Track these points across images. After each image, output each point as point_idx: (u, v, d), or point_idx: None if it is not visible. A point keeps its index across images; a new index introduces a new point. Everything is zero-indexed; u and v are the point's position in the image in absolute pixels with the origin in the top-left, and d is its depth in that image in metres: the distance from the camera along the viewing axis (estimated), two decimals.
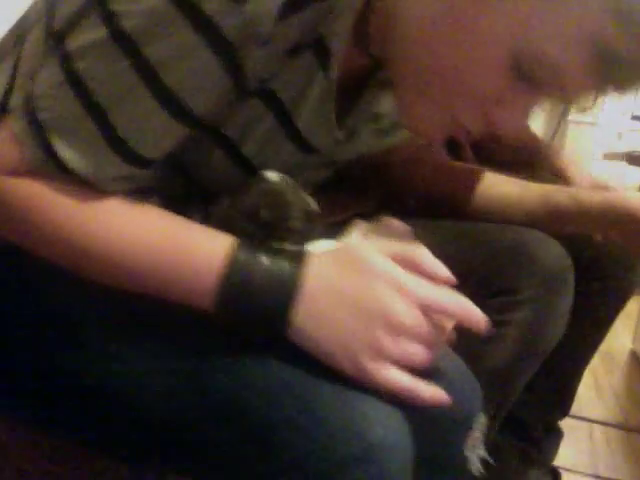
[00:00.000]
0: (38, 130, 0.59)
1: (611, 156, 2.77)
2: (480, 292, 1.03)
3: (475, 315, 0.64)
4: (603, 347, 1.38)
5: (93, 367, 0.68)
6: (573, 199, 1.09)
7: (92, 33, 0.58)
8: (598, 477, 1.73)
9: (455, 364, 0.83)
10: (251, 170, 0.73)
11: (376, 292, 0.60)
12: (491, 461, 0.87)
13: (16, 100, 0.61)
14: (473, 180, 1.14)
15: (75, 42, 0.58)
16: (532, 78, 0.63)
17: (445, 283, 0.65)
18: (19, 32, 0.68)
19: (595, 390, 2.24)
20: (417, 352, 0.60)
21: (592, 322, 1.16)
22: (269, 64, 0.63)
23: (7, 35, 0.72)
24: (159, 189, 0.71)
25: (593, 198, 1.08)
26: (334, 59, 0.68)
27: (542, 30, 0.60)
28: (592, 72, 0.62)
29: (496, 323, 1.04)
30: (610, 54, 0.59)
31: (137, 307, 0.70)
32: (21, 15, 0.71)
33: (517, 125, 0.69)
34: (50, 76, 0.59)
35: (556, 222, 1.10)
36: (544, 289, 1.04)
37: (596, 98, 0.68)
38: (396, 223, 0.78)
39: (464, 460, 0.80)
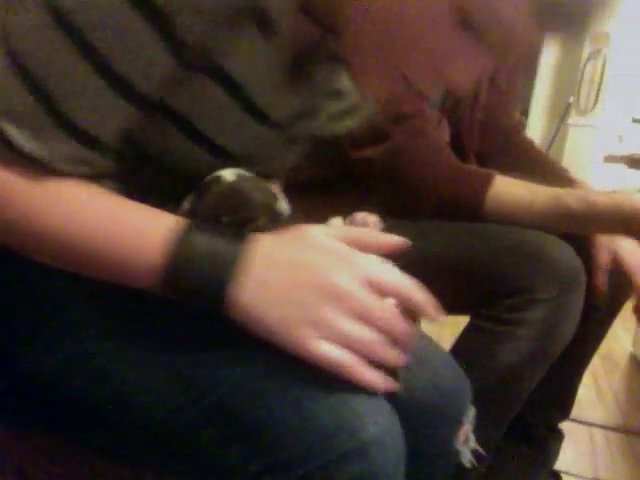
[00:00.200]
0: None
1: (611, 159, 2.77)
2: (497, 291, 1.07)
3: (417, 295, 0.62)
4: (603, 350, 1.38)
5: (90, 368, 0.68)
6: (583, 201, 1.11)
7: (26, 9, 0.57)
8: None
9: (443, 359, 0.84)
10: (217, 150, 0.71)
11: (317, 265, 0.59)
12: (483, 452, 0.88)
13: None
14: (485, 183, 1.16)
15: (10, 19, 0.58)
16: (477, 28, 0.63)
17: (392, 250, 0.63)
18: None
19: (595, 393, 2.24)
20: (358, 328, 0.58)
21: (591, 323, 1.17)
22: (210, 35, 0.62)
23: None
24: (129, 180, 0.70)
25: (602, 200, 1.10)
26: (277, 27, 0.66)
27: None
28: (532, 15, 0.62)
29: (511, 322, 1.06)
30: None
31: (133, 309, 0.70)
32: None
33: (469, 80, 0.69)
34: None
35: (566, 224, 1.12)
36: (559, 289, 1.06)
37: (541, 44, 0.69)
38: (371, 219, 0.78)
39: (456, 454, 0.82)
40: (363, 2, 0.66)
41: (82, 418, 0.70)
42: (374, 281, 0.60)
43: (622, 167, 2.63)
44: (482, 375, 1.09)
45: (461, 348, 1.14)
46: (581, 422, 1.95)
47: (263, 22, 0.66)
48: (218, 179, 0.69)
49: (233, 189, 0.69)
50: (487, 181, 1.16)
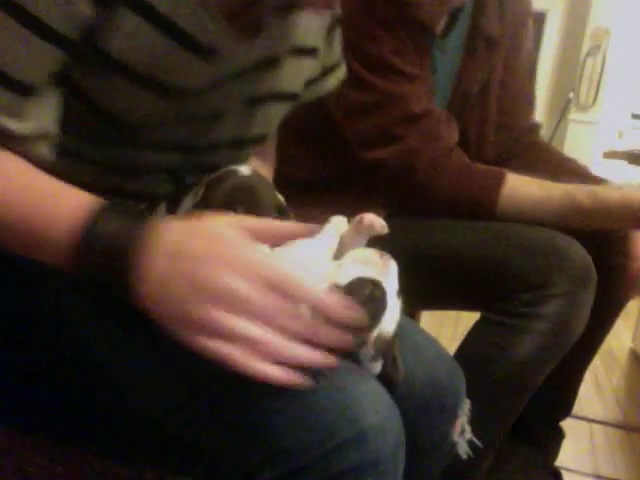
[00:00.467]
0: None
1: (611, 155, 2.77)
2: (511, 287, 1.09)
3: (302, 286, 0.55)
4: (603, 346, 1.39)
5: (88, 368, 0.68)
6: (594, 197, 1.13)
7: None
8: (598, 476, 1.73)
9: (439, 353, 0.84)
10: (160, 88, 0.70)
11: (204, 259, 0.54)
12: (479, 443, 0.89)
13: None
14: (498, 182, 1.16)
15: None
16: None
17: (293, 234, 0.60)
18: None
19: (595, 390, 2.24)
20: (243, 324, 0.53)
21: (594, 322, 1.17)
22: None
23: None
24: (74, 131, 0.70)
25: (613, 195, 1.12)
26: None
27: None
28: None
29: (526, 316, 1.07)
30: None
31: (131, 309, 0.70)
32: None
33: None
34: None
35: (578, 220, 1.14)
36: (572, 285, 1.08)
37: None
38: (371, 217, 0.77)
39: (452, 445, 0.83)
40: None
41: (81, 418, 0.70)
42: (273, 281, 0.55)
43: (622, 163, 2.63)
44: (495, 368, 1.10)
45: (474, 342, 1.15)
46: (581, 418, 1.96)
47: None
48: (235, 172, 0.71)
49: (248, 183, 0.71)
50: (500, 180, 1.17)
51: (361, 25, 1.16)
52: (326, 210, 1.05)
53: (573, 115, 3.52)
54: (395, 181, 1.19)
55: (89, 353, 0.68)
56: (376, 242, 0.79)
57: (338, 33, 0.97)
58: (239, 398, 0.62)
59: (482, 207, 1.16)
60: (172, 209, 0.76)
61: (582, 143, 3.36)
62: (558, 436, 1.49)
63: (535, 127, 1.51)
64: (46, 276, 0.72)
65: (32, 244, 0.60)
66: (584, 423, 1.98)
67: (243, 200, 0.69)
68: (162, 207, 0.78)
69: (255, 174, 0.73)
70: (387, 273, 0.72)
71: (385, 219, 0.78)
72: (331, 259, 0.77)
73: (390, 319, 0.69)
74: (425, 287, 1.11)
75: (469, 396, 0.86)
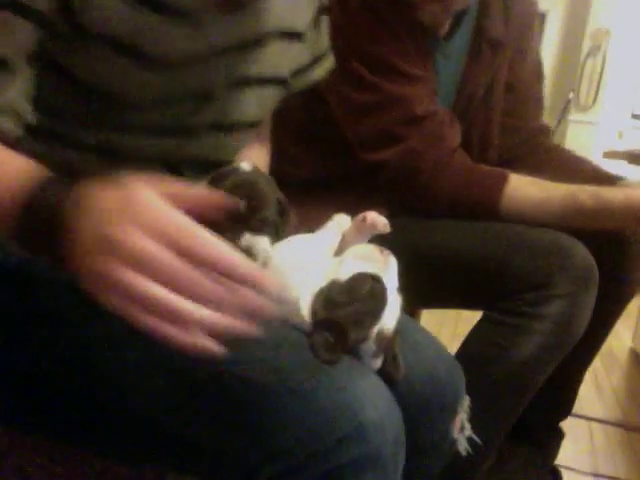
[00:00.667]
0: None
1: (611, 155, 2.76)
2: (514, 286, 1.09)
3: (215, 249, 0.52)
4: (603, 346, 1.39)
5: (89, 368, 0.68)
6: (596, 197, 1.12)
7: None
8: (598, 476, 1.73)
9: (438, 351, 0.85)
10: (142, 58, 0.70)
11: (123, 222, 0.52)
12: (478, 440, 0.89)
13: None
14: (500, 182, 1.17)
15: None
16: None
17: (203, 203, 0.57)
18: None
19: (595, 389, 2.24)
20: (150, 285, 0.51)
21: (595, 322, 1.17)
22: None
23: None
24: (60, 113, 0.71)
25: (615, 195, 1.12)
26: None
27: None
28: None
29: (529, 316, 1.08)
30: None
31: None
32: None
33: None
34: None
35: (580, 220, 1.14)
36: (575, 286, 1.08)
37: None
38: (373, 216, 0.78)
39: (452, 442, 0.84)
40: None
41: (81, 418, 0.71)
42: (173, 237, 0.52)
43: (622, 163, 2.62)
44: (496, 368, 1.10)
45: (476, 341, 1.15)
46: (581, 417, 1.96)
47: None
48: (236, 169, 0.73)
49: (250, 179, 0.72)
50: (502, 181, 1.17)
51: (363, 25, 1.16)
52: (326, 210, 1.06)
53: (573, 115, 3.51)
54: (397, 182, 1.19)
55: (89, 353, 0.69)
56: (377, 241, 0.80)
57: (325, 21, 0.98)
58: (238, 397, 0.63)
59: (484, 208, 1.16)
60: None
61: (582, 143, 3.36)
62: (558, 436, 1.49)
63: (545, 129, 1.50)
64: (46, 276, 0.72)
65: None
66: (584, 422, 1.98)
67: (245, 196, 0.70)
68: None
69: (256, 171, 0.74)
70: (387, 269, 0.72)
71: (386, 218, 0.78)
72: (332, 256, 0.77)
73: (390, 315, 0.69)
74: (426, 286, 1.11)
75: (470, 395, 0.87)
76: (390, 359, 0.72)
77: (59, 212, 0.56)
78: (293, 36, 0.88)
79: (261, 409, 0.62)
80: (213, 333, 0.53)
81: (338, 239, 0.79)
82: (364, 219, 0.77)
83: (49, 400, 0.71)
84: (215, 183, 0.73)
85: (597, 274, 1.10)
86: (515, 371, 1.10)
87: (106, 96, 0.71)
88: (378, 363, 0.71)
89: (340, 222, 0.81)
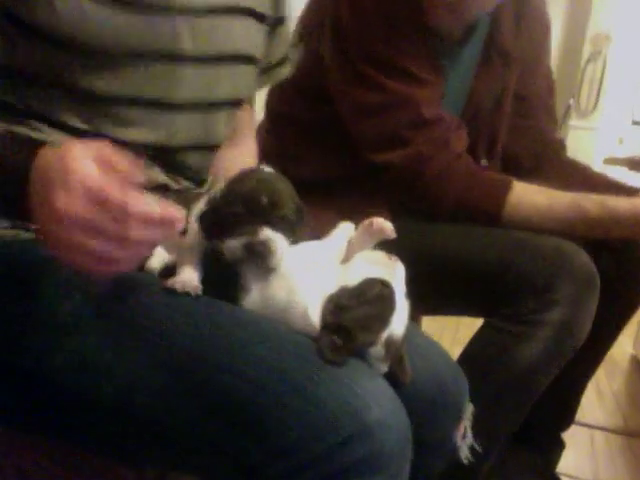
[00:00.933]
0: None
1: (612, 161, 2.77)
2: (516, 293, 1.08)
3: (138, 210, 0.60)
4: None
5: (93, 367, 0.68)
6: (601, 206, 1.13)
7: None
8: None
9: (443, 357, 0.85)
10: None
11: (58, 188, 0.59)
12: (478, 448, 0.89)
13: None
14: (503, 189, 1.16)
15: None
16: None
17: (133, 180, 0.61)
18: None
19: (596, 395, 2.24)
20: (83, 238, 0.59)
21: (597, 333, 1.17)
22: None
23: None
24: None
25: (621, 204, 1.12)
26: None
27: None
28: None
29: (530, 323, 1.07)
30: None
31: (128, 306, 0.70)
32: None
33: None
34: None
35: (585, 229, 1.14)
36: (577, 291, 1.07)
37: None
38: (380, 221, 0.78)
39: (454, 447, 0.84)
40: None
41: (84, 417, 0.70)
42: (100, 199, 0.59)
43: (622, 169, 2.62)
44: (498, 374, 1.10)
45: (477, 348, 1.15)
46: (582, 424, 1.95)
47: None
48: (259, 169, 0.77)
49: (271, 178, 0.75)
50: (506, 187, 1.17)
51: (375, 28, 1.16)
52: (326, 212, 1.05)
53: (573, 121, 3.52)
54: (401, 184, 1.19)
55: (89, 353, 0.68)
56: (379, 246, 0.80)
57: (286, 31, 1.05)
58: (241, 396, 0.63)
59: (487, 214, 1.16)
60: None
61: (582, 149, 3.36)
62: (559, 446, 1.49)
63: (560, 143, 1.51)
64: (46, 277, 0.72)
65: None
66: (585, 429, 1.98)
67: (267, 191, 0.71)
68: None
69: (277, 174, 0.76)
70: (395, 275, 0.72)
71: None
72: (339, 262, 0.77)
73: (399, 320, 0.69)
74: (428, 293, 1.11)
75: (471, 401, 0.86)
76: (397, 363, 0.72)
77: (21, 179, 0.63)
78: (257, 16, 0.92)
79: (264, 408, 0.62)
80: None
81: (345, 246, 0.80)
82: (371, 224, 0.78)
83: (49, 400, 0.71)
84: (237, 181, 0.74)
85: (598, 280, 1.10)
86: (516, 377, 1.10)
87: (82, 48, 0.75)
88: (385, 367, 0.71)
89: (346, 229, 0.81)
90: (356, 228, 0.81)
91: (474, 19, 1.25)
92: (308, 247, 0.77)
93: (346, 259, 0.79)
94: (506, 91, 1.36)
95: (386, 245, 0.80)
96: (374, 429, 0.62)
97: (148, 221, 0.60)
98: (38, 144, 0.65)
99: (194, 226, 0.75)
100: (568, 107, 3.37)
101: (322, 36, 1.21)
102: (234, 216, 0.70)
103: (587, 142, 3.45)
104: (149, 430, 0.67)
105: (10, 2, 0.72)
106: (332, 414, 0.61)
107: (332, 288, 0.70)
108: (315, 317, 0.69)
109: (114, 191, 0.59)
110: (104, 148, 0.62)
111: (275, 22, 1.01)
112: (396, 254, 0.75)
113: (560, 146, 1.51)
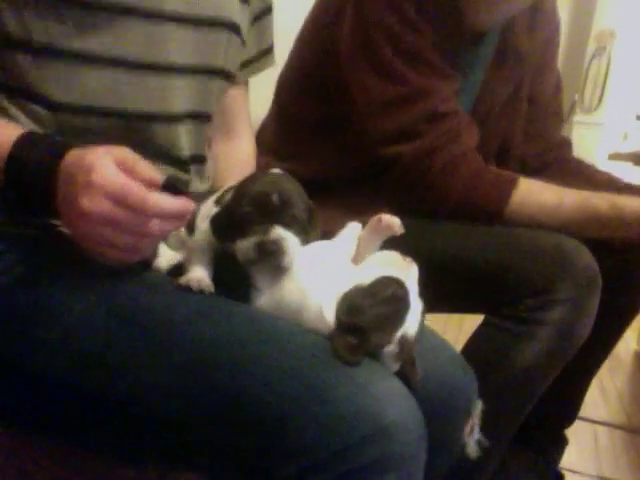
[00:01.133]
0: None
1: (616, 157, 2.76)
2: (516, 292, 1.08)
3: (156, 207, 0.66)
4: None
5: (103, 367, 0.69)
6: (611, 204, 1.11)
7: None
8: (602, 478, 1.73)
9: (451, 355, 0.85)
10: None
11: (82, 189, 0.65)
12: (487, 443, 0.89)
13: None
14: (508, 187, 1.16)
15: None
16: None
17: (150, 181, 0.68)
18: None
19: (599, 392, 2.24)
20: (102, 232, 0.66)
21: (601, 331, 1.16)
22: None
23: None
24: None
25: (631, 203, 1.11)
26: None
27: None
28: None
29: (531, 322, 1.07)
30: None
31: (134, 305, 0.71)
32: None
33: None
34: None
35: (593, 228, 1.13)
36: (577, 290, 1.07)
37: None
38: (389, 218, 0.78)
39: (463, 444, 0.84)
40: None
41: (90, 417, 0.71)
42: (119, 198, 0.65)
43: (627, 165, 2.61)
44: (499, 373, 1.09)
45: (477, 346, 1.15)
46: (585, 420, 1.95)
47: None
48: (270, 171, 0.77)
49: (282, 179, 0.75)
50: (511, 185, 1.16)
51: (403, 12, 1.14)
52: (329, 211, 1.05)
53: (578, 117, 3.50)
54: (408, 177, 1.18)
55: (100, 353, 0.69)
56: (382, 245, 0.80)
57: (270, 20, 1.06)
58: (257, 396, 0.63)
59: (490, 210, 1.16)
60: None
61: (587, 145, 3.34)
62: (562, 443, 1.49)
63: (565, 143, 1.50)
64: (47, 278, 0.73)
65: None
66: (588, 425, 1.98)
67: (278, 192, 0.72)
68: None
69: (286, 174, 0.77)
70: (409, 275, 0.73)
71: None
72: (350, 262, 0.78)
73: (413, 320, 0.70)
74: (428, 291, 1.12)
75: None
76: (408, 363, 0.72)
77: (45, 179, 0.69)
78: (226, 27, 0.93)
79: (279, 410, 0.62)
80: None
81: (355, 246, 0.80)
82: (380, 220, 0.78)
83: (54, 400, 0.71)
84: (248, 182, 0.75)
85: (600, 279, 1.09)
86: (517, 377, 1.10)
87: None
88: (397, 366, 0.71)
89: (354, 229, 0.82)
90: (363, 226, 0.81)
91: (509, 18, 1.25)
92: (318, 247, 0.77)
93: (356, 259, 0.79)
94: (520, 92, 1.36)
95: (387, 245, 0.80)
96: (390, 429, 0.62)
97: (165, 215, 0.67)
98: (64, 146, 0.70)
99: (203, 227, 0.76)
100: (572, 103, 3.36)
101: (338, 29, 1.20)
102: (245, 217, 0.71)
103: (592, 138, 3.44)
104: (162, 430, 0.68)
105: None
106: (348, 415, 0.62)
107: (345, 287, 0.71)
108: (329, 316, 0.69)
109: (134, 189, 0.65)
110: (124, 151, 0.68)
111: (262, 11, 1.03)
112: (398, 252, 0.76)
113: (566, 145, 1.51)
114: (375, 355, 0.69)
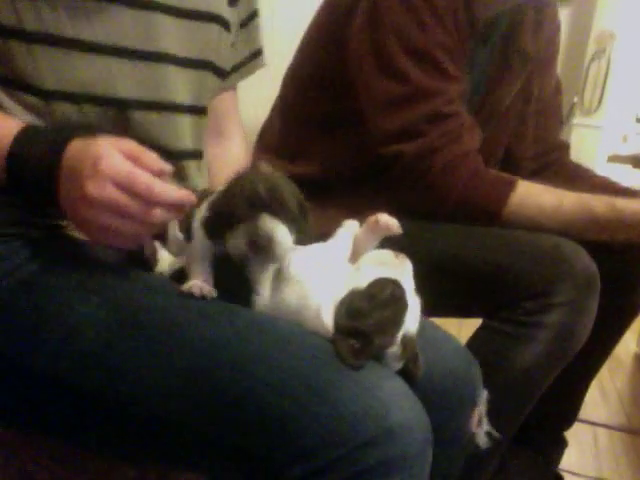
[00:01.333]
0: None
1: (616, 159, 2.75)
2: (514, 294, 1.08)
3: (162, 193, 0.68)
4: None
5: (105, 367, 0.69)
6: (610, 206, 1.11)
7: None
8: None
9: (454, 346, 0.86)
10: None
11: (89, 177, 0.67)
12: (496, 434, 0.89)
13: None
14: (507, 189, 1.16)
15: None
16: None
17: (159, 172, 0.70)
18: None
19: (600, 393, 2.23)
20: (104, 217, 0.68)
21: (600, 334, 1.16)
22: None
23: None
24: None
25: (631, 205, 1.11)
26: None
27: None
28: None
29: (529, 325, 1.07)
30: None
31: (136, 305, 0.71)
32: None
33: None
34: None
35: (592, 230, 1.13)
36: (576, 293, 1.06)
37: None
38: (387, 218, 0.78)
39: (471, 435, 0.84)
40: None
41: (92, 417, 0.71)
42: (125, 185, 0.67)
43: (627, 167, 2.61)
44: (498, 375, 1.09)
45: (476, 348, 1.13)
46: (585, 421, 1.95)
47: None
48: (259, 167, 0.77)
49: (272, 174, 0.75)
50: (510, 186, 1.16)
51: (414, 9, 1.14)
52: (327, 212, 1.06)
53: (577, 119, 3.49)
54: (408, 176, 1.19)
55: (102, 354, 0.69)
56: (380, 245, 0.80)
57: (259, 23, 1.07)
58: (262, 399, 0.63)
59: (489, 211, 1.16)
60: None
61: (586, 147, 3.34)
62: (561, 445, 1.49)
63: (564, 146, 1.50)
64: (49, 279, 0.73)
65: None
66: (588, 426, 1.98)
67: (268, 186, 0.71)
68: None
69: (278, 172, 0.77)
70: (404, 273, 0.73)
71: None
72: (347, 262, 0.78)
73: (412, 318, 0.70)
74: (426, 294, 1.12)
75: None
76: (411, 360, 0.73)
77: (47, 170, 0.70)
78: (216, 22, 0.94)
79: (285, 412, 0.63)
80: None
81: (351, 245, 0.80)
82: (377, 221, 0.78)
83: (55, 400, 0.72)
84: (235, 179, 0.74)
85: (599, 281, 1.09)
86: (516, 378, 1.10)
87: None
88: (400, 365, 0.71)
89: (350, 227, 0.81)
90: (360, 225, 0.81)
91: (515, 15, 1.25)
92: (315, 249, 0.78)
93: (352, 257, 0.79)
94: (528, 93, 1.36)
95: (385, 244, 0.80)
96: (395, 431, 0.62)
97: (169, 205, 0.69)
98: (64, 139, 0.71)
99: (200, 233, 0.76)
100: (572, 105, 3.36)
101: (349, 26, 1.20)
102: (234, 211, 0.70)
103: (591, 140, 3.44)
104: (162, 431, 0.68)
105: None
106: (353, 417, 0.62)
107: (342, 290, 0.71)
108: (328, 319, 0.70)
109: (141, 177, 0.67)
110: (129, 142, 0.70)
111: (249, 16, 1.04)
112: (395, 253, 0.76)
113: (564, 148, 1.51)
114: (378, 357, 0.69)
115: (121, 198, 0.67)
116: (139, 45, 0.84)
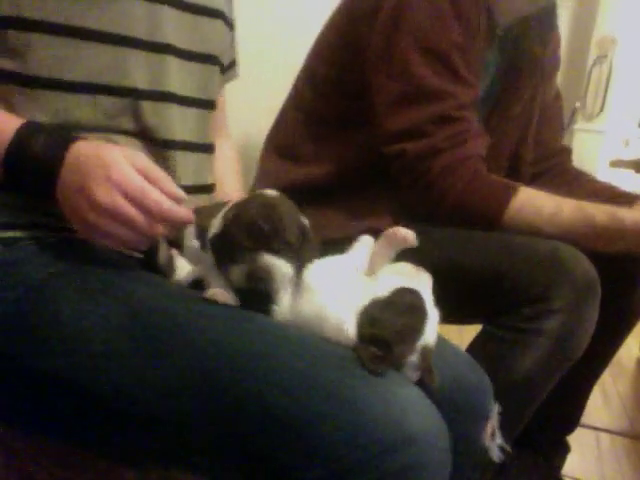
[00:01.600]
0: None
1: (618, 164, 2.75)
2: (513, 300, 1.07)
3: (173, 212, 0.72)
4: None
5: (106, 369, 0.69)
6: (611, 215, 1.10)
7: None
8: None
9: (465, 360, 0.86)
10: None
11: (97, 180, 0.69)
12: (508, 448, 0.89)
13: None
14: (507, 194, 1.16)
15: None
16: None
17: (174, 198, 0.73)
18: None
19: (602, 397, 2.23)
20: (106, 223, 0.70)
21: (602, 339, 1.16)
22: None
23: None
24: None
25: (632, 214, 1.10)
26: None
27: None
28: None
29: (528, 331, 1.06)
30: None
31: (137, 307, 0.71)
32: None
33: None
34: None
35: (591, 238, 1.12)
36: (575, 298, 1.06)
37: None
38: (403, 231, 0.79)
39: (484, 449, 0.84)
40: None
41: (96, 417, 0.71)
42: (132, 196, 0.70)
43: (629, 172, 2.61)
44: (496, 383, 1.07)
45: (475, 354, 1.13)
46: (587, 426, 1.95)
47: None
48: (262, 193, 0.78)
49: (272, 202, 0.76)
50: (510, 192, 1.16)
51: (439, 10, 1.15)
52: (329, 216, 1.06)
53: (579, 124, 3.50)
54: (409, 175, 1.19)
55: (114, 356, 0.70)
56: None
57: (234, 37, 1.09)
58: (283, 407, 0.64)
59: (488, 215, 1.16)
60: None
61: (588, 152, 3.34)
62: (564, 450, 1.49)
63: (565, 151, 1.50)
64: (51, 280, 0.73)
65: None
66: (590, 431, 1.97)
67: (269, 218, 0.73)
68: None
69: (282, 196, 0.78)
70: (423, 284, 0.74)
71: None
72: (364, 274, 0.79)
73: (431, 329, 0.71)
74: None
75: None
76: (427, 371, 0.73)
77: (49, 167, 0.72)
78: (220, 18, 0.96)
79: (304, 419, 0.63)
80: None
81: (368, 258, 0.81)
82: (395, 233, 0.79)
83: (51, 401, 0.72)
84: (241, 206, 0.76)
85: (599, 287, 1.08)
86: (516, 385, 1.10)
87: None
88: (417, 375, 0.72)
89: (366, 241, 0.83)
90: (376, 239, 0.82)
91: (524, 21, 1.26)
92: (333, 261, 0.78)
93: (369, 271, 0.80)
94: (534, 101, 1.36)
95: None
96: (416, 438, 0.63)
97: (173, 220, 0.72)
98: (68, 137, 0.74)
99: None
100: (574, 110, 3.36)
101: (370, 27, 1.20)
102: (237, 243, 0.72)
103: (593, 145, 3.43)
104: (162, 431, 0.68)
105: None
106: (374, 423, 0.62)
107: (362, 300, 0.72)
108: (351, 330, 0.70)
109: (152, 193, 0.70)
110: (140, 156, 0.74)
111: (232, 25, 1.06)
112: (395, 259, 0.77)
113: (565, 153, 1.51)
114: (397, 367, 0.70)
115: (130, 210, 0.70)
116: (147, 36, 0.86)
